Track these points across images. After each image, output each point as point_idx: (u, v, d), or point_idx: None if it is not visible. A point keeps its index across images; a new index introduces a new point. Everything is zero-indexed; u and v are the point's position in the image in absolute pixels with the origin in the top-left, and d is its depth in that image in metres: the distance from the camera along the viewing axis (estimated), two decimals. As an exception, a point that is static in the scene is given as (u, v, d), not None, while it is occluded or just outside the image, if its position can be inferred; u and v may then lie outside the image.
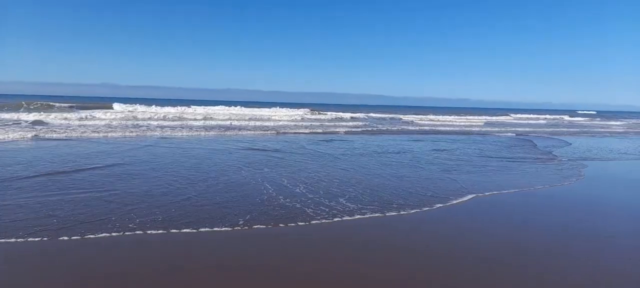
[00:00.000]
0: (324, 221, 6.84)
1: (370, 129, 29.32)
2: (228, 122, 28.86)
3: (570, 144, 21.86)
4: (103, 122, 24.96)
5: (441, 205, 8.14)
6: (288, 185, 9.40)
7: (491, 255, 5.55)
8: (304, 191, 8.85)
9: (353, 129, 27.77)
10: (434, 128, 32.13)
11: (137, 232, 5.97)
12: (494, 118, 52.46)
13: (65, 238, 5.61)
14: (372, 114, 47.00)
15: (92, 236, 5.74)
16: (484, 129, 32.91)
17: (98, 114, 29.04)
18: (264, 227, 6.48)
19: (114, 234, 5.86)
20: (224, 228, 6.30)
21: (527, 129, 34.90)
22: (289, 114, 38.71)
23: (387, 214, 7.37)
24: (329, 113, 43.12)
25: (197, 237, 5.93)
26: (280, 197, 8.29)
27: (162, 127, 23.06)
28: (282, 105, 51.64)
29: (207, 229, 6.22)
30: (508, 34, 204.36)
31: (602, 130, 37.62)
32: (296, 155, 14.41)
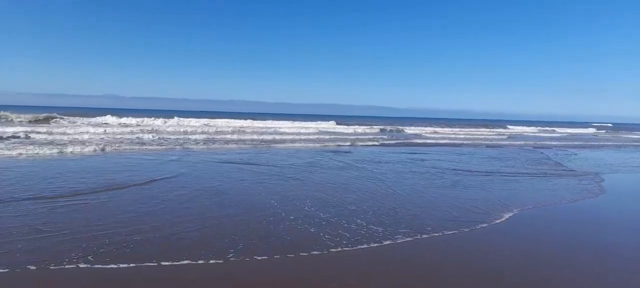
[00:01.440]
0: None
1: (393, 141, 27.56)
2: (271, 137, 27.11)
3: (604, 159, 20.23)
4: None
5: (486, 224, 6.75)
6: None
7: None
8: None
9: (373, 141, 26.16)
10: (439, 141, 30.50)
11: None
12: (513, 129, 50.88)
13: None
14: (381, 127, 45.37)
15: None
16: (505, 142, 31.27)
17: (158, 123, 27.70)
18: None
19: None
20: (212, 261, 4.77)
21: (552, 143, 33.27)
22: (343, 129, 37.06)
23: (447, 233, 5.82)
24: (352, 126, 41.45)
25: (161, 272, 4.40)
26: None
27: (233, 141, 21.37)
28: (289, 116, 50.22)
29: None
30: (508, 43, 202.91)
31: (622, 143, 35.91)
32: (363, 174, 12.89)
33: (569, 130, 56.43)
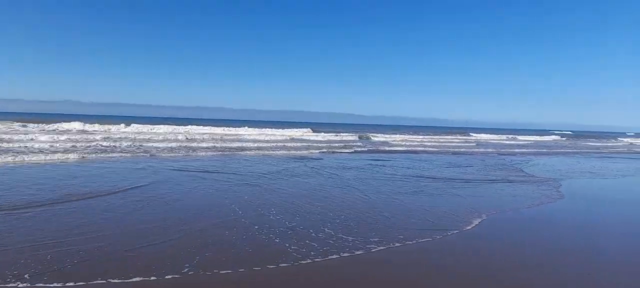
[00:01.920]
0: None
1: (362, 149, 27.48)
2: (239, 144, 26.38)
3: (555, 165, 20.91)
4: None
5: (457, 230, 6.67)
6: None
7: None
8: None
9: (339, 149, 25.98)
10: (412, 148, 30.81)
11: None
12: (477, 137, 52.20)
13: None
14: (350, 134, 45.42)
15: None
16: (471, 149, 31.92)
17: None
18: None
19: None
20: (169, 276, 4.36)
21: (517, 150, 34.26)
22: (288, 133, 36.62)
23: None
24: (321, 133, 41.14)
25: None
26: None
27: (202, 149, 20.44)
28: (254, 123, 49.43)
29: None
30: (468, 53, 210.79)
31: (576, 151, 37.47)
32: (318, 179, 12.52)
33: (532, 138, 58.48)
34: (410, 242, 5.91)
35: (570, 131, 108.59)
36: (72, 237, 5.54)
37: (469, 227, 6.90)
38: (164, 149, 18.94)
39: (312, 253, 5.29)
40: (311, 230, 6.32)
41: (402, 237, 6.15)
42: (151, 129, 32.70)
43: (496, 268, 5.06)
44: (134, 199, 8.08)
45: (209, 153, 18.43)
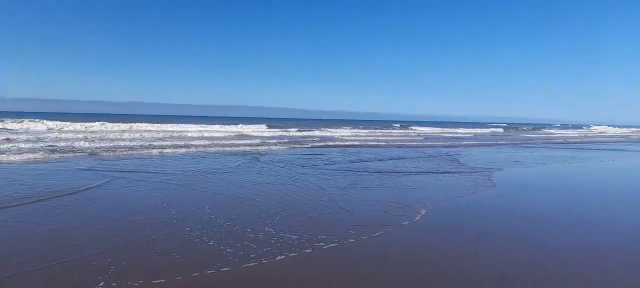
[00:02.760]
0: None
1: (305, 144, 27.05)
2: (174, 141, 24.73)
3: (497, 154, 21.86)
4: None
5: (407, 222, 6.55)
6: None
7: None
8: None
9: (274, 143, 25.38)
10: (365, 143, 31.01)
11: None
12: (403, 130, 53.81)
13: None
14: (294, 128, 44.98)
15: None
16: (414, 143, 32.69)
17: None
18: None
19: None
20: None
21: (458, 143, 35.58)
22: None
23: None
24: (263, 128, 40.23)
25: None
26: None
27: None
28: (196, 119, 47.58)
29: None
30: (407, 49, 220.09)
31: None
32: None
33: (473, 130, 61.33)
34: (364, 237, 5.62)
35: (506, 124, 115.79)
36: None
37: (417, 218, 6.80)
38: (86, 148, 17.28)
39: (252, 255, 4.79)
40: (248, 230, 5.83)
41: (352, 232, 5.85)
42: (86, 127, 30.25)
43: (445, 256, 5.06)
44: (50, 207, 7.08)
45: (144, 152, 17.09)
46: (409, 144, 28.99)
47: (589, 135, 58.32)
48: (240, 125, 41.50)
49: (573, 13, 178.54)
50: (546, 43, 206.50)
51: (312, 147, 23.30)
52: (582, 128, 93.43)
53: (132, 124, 35.35)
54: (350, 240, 5.49)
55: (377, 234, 5.81)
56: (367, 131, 45.87)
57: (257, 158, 15.85)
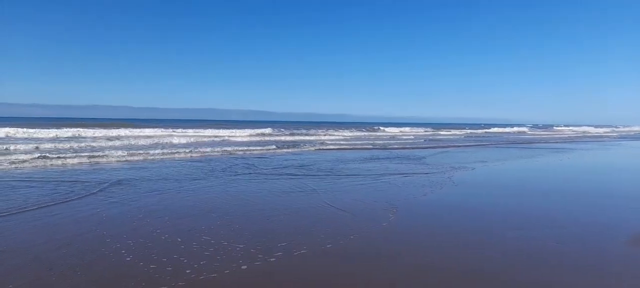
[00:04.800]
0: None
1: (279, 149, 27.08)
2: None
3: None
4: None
5: (386, 223, 6.78)
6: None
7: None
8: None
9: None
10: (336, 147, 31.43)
11: None
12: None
13: None
14: (265, 130, 44.84)
15: None
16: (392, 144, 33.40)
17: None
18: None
19: None
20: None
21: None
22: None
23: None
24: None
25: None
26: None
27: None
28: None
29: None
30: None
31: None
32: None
33: (451, 132, 63.38)
34: (343, 241, 5.84)
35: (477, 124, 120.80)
36: None
37: (392, 217, 7.23)
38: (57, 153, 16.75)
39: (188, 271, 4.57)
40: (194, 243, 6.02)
41: (322, 235, 6.12)
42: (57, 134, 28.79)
43: (428, 254, 5.38)
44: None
45: (101, 160, 16.75)
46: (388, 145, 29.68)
47: (553, 135, 61.70)
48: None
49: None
50: (525, 46, 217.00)
51: (287, 150, 23.47)
52: (552, 128, 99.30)
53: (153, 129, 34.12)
54: (328, 246, 5.74)
55: (351, 237, 6.10)
56: (341, 132, 46.39)
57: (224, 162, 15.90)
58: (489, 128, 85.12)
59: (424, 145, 30.10)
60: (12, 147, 17.99)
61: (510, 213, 7.99)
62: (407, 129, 65.68)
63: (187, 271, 4.58)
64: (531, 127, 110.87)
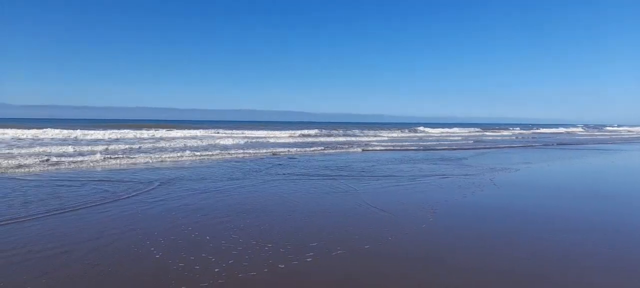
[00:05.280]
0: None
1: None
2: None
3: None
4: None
5: (424, 225, 6.70)
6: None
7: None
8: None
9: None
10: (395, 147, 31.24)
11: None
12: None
13: None
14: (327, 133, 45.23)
15: None
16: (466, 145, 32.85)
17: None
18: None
19: None
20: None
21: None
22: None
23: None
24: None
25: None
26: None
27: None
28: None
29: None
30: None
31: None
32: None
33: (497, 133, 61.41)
34: (390, 239, 5.89)
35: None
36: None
37: (430, 219, 7.13)
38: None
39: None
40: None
41: (353, 236, 6.18)
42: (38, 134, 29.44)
43: (459, 259, 5.22)
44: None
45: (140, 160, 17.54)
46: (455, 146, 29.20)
47: (607, 135, 58.06)
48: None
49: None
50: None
51: (339, 151, 23.57)
52: (603, 128, 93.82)
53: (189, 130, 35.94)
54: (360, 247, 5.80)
55: (395, 236, 6.11)
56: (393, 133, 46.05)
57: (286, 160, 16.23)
58: (539, 129, 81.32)
59: (471, 146, 29.29)
60: (70, 149, 19.16)
61: (558, 216, 7.64)
62: (454, 129, 64.06)
63: (216, 269, 4.73)
64: (583, 126, 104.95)
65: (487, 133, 58.06)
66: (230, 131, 40.15)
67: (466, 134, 53.79)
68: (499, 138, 45.97)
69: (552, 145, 32.39)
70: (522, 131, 66.46)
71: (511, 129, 76.39)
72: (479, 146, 29.86)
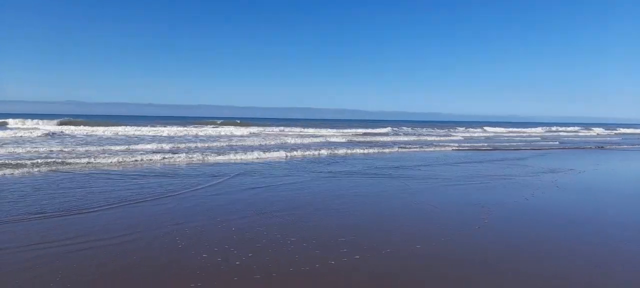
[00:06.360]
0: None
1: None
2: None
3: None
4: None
5: (477, 226, 6.54)
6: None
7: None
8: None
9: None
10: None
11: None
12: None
13: None
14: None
15: None
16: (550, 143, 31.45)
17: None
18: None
19: None
20: None
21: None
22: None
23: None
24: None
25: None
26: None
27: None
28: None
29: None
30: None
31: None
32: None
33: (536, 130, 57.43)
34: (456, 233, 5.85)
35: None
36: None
37: (485, 220, 6.98)
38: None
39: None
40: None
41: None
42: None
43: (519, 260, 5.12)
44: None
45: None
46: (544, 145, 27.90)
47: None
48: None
49: None
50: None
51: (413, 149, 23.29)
52: None
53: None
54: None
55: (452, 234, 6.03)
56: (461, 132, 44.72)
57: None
58: (621, 129, 74.37)
59: (556, 146, 27.71)
60: (139, 146, 19.47)
61: (626, 222, 7.12)
62: (530, 129, 60.38)
63: (268, 263, 4.85)
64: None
65: (561, 132, 54.03)
66: (292, 129, 40.88)
67: (539, 132, 50.58)
68: (575, 138, 42.72)
69: (628, 146, 29.58)
70: (609, 130, 61.68)
71: (591, 129, 70.60)
72: (551, 146, 27.96)
